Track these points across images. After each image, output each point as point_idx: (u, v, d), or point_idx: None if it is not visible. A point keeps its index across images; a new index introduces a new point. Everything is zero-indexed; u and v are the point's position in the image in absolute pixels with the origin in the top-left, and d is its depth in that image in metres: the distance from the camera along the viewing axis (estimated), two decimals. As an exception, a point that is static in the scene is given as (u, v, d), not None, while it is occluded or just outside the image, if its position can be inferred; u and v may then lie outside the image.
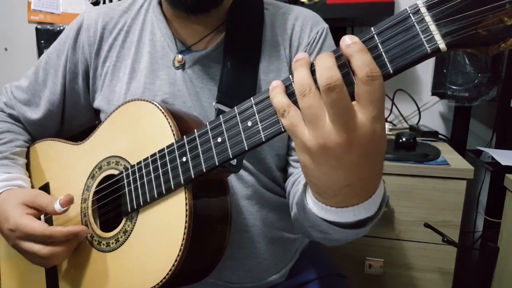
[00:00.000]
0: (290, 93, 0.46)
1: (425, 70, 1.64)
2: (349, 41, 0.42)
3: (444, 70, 1.44)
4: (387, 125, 1.60)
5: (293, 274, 0.87)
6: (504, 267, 1.22)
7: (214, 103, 0.73)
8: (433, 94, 1.55)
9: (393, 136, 1.37)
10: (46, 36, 1.88)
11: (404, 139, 1.32)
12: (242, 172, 0.77)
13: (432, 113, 1.72)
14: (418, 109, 1.67)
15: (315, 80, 0.43)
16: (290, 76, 0.46)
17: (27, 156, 0.88)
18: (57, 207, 0.69)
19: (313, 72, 0.44)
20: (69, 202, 0.69)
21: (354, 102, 0.42)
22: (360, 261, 1.32)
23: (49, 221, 0.78)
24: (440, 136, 1.57)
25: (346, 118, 0.41)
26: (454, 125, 1.60)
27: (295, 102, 0.45)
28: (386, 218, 1.27)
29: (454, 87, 1.41)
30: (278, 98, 0.46)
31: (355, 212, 0.48)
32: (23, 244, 0.69)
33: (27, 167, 0.87)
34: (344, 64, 0.42)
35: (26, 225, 0.68)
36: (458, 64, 1.39)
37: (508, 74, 1.44)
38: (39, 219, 0.74)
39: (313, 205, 0.52)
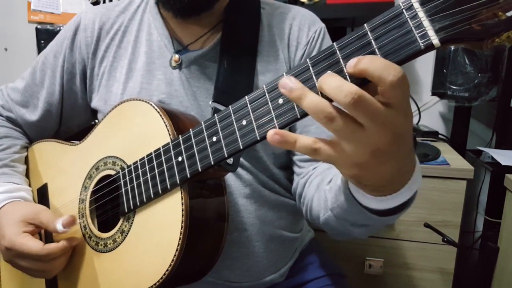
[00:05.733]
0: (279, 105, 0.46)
1: (425, 70, 1.63)
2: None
3: (444, 70, 1.43)
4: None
5: (292, 273, 0.86)
6: (504, 267, 1.22)
7: (210, 102, 0.73)
8: (433, 94, 1.54)
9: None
10: (46, 36, 1.87)
11: (403, 139, 1.31)
12: (240, 170, 0.76)
13: (432, 113, 1.71)
14: (418, 109, 1.66)
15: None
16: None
17: (25, 157, 0.88)
18: (59, 227, 0.68)
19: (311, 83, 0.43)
20: (71, 223, 0.69)
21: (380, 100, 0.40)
22: (360, 261, 1.31)
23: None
24: (440, 136, 1.56)
25: (381, 118, 0.39)
26: (454, 125, 1.59)
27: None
28: (386, 218, 1.26)
29: (454, 87, 1.40)
30: (301, 141, 0.44)
31: (411, 187, 0.49)
32: (19, 262, 0.70)
33: (26, 168, 0.87)
34: (342, 70, 0.41)
35: (21, 244, 0.68)
36: (458, 64, 1.39)
37: (508, 74, 1.43)
38: (39, 233, 0.75)
39: (376, 202, 0.51)
